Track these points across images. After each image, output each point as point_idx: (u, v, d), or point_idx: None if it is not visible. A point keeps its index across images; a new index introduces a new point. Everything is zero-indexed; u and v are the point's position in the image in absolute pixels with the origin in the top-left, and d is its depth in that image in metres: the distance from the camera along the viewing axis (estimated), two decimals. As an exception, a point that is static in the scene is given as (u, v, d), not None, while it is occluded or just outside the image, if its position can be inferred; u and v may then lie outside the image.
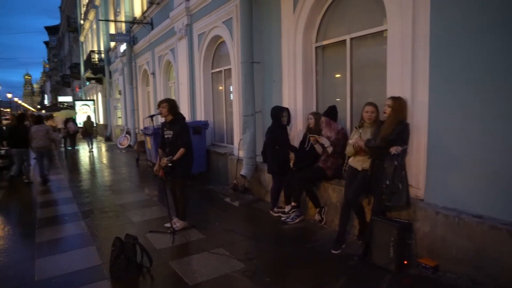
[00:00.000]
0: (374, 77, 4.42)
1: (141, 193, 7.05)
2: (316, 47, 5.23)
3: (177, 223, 4.71)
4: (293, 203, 4.86)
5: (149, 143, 8.30)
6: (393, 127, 3.48)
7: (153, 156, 7.75)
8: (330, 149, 4.43)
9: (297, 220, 4.85)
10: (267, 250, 4.07)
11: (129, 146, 14.38)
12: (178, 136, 4.52)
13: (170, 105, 4.60)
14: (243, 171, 6.08)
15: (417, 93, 3.53)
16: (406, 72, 3.60)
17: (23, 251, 4.36)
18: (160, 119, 4.76)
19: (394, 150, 3.34)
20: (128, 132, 15.00)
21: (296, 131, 5.47)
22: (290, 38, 5.35)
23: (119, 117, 18.52)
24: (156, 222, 5.07)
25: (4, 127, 10.04)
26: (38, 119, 8.48)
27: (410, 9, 3.52)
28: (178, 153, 4.47)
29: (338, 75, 5.08)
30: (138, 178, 8.78)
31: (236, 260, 3.76)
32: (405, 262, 3.40)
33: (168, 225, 4.62)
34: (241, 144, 6.36)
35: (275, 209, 5.22)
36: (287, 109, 5.21)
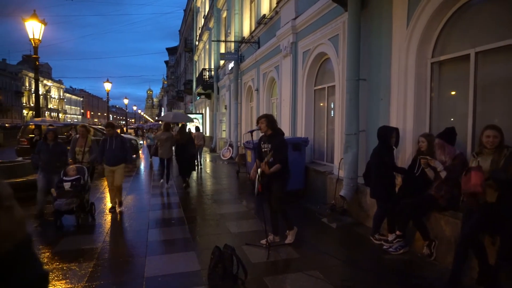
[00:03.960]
0: (505, 96, 3.84)
1: (239, 205, 7.29)
2: (432, 63, 4.79)
3: (289, 236, 4.78)
4: (397, 232, 4.46)
5: (250, 156, 8.57)
6: None
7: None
8: (443, 174, 3.96)
9: (400, 251, 4.41)
10: (366, 279, 3.78)
11: (231, 158, 15.12)
12: (275, 151, 4.56)
13: (268, 120, 4.73)
14: (342, 192, 5.83)
15: None
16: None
17: (137, 248, 4.84)
18: (259, 134, 4.87)
19: None
20: (230, 145, 15.81)
21: (405, 155, 5.04)
22: (401, 53, 5.01)
23: (224, 130, 19.70)
24: (252, 235, 5.14)
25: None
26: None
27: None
28: (273, 167, 4.51)
29: (458, 93, 4.56)
30: (237, 190, 9.12)
31: (331, 286, 3.57)
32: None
33: (264, 241, 4.64)
34: (341, 164, 6.13)
35: (377, 236, 4.84)
36: (396, 130, 4.84)
